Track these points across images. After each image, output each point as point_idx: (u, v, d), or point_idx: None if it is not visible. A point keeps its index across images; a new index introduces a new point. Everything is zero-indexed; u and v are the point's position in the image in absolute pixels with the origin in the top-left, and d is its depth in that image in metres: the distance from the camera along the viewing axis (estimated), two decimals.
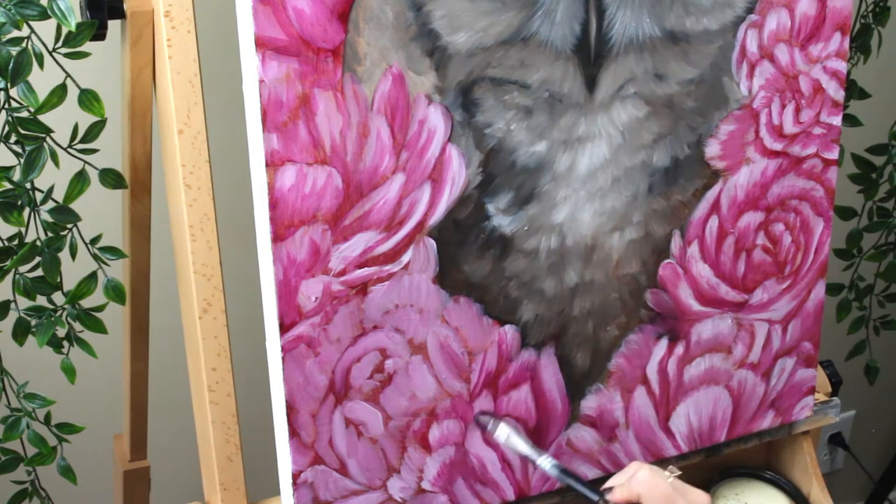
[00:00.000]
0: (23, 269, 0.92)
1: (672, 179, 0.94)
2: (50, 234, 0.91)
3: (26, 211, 0.89)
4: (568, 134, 0.88)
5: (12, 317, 0.94)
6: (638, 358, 0.97)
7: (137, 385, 1.08)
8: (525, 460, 0.93)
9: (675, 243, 0.96)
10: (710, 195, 0.96)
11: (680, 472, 0.79)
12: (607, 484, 0.80)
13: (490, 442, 0.92)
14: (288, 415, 0.83)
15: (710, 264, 0.98)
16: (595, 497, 0.80)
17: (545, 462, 0.86)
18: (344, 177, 0.81)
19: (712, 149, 0.95)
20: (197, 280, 0.84)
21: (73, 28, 0.83)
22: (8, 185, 0.88)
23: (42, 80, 0.86)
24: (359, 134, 0.81)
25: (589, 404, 0.96)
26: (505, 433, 0.89)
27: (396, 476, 0.90)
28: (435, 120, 0.83)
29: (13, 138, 0.87)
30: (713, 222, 0.97)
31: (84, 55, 0.86)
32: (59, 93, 0.86)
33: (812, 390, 1.07)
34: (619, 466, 0.99)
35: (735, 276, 0.99)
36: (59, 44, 0.85)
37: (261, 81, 0.76)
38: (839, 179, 1.02)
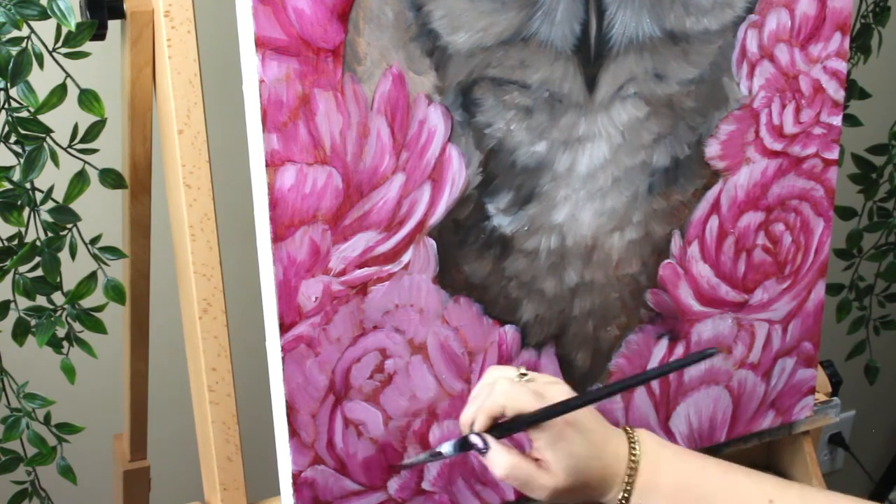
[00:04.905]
0: (23, 269, 0.92)
1: (672, 179, 0.94)
2: (50, 234, 0.90)
3: (26, 211, 0.89)
4: (568, 134, 0.88)
5: (12, 317, 0.94)
6: (638, 358, 0.97)
7: (137, 385, 1.08)
8: None
9: (675, 243, 0.96)
10: (710, 195, 0.96)
11: (528, 375, 0.78)
12: (469, 411, 0.78)
13: None
14: (288, 415, 0.83)
15: (711, 264, 0.98)
16: (481, 445, 0.76)
17: (446, 448, 0.80)
18: (344, 177, 0.81)
19: (712, 149, 0.95)
20: (197, 280, 0.84)
21: (72, 28, 0.83)
22: (8, 185, 0.88)
23: (42, 80, 0.86)
24: (359, 134, 0.81)
25: None
26: (409, 460, 0.88)
27: (396, 476, 0.90)
28: (435, 120, 0.83)
29: (13, 138, 0.87)
30: (713, 222, 0.97)
31: (84, 55, 0.86)
32: (59, 93, 0.86)
33: (812, 390, 1.07)
34: None
35: (735, 276, 0.99)
36: (59, 44, 0.85)
37: (261, 81, 0.76)
38: (839, 179, 1.02)
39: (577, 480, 0.75)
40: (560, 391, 0.77)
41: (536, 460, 0.76)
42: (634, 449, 0.77)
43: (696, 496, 0.76)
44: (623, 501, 0.77)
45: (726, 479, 0.77)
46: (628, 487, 0.76)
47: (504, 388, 0.76)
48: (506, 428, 0.76)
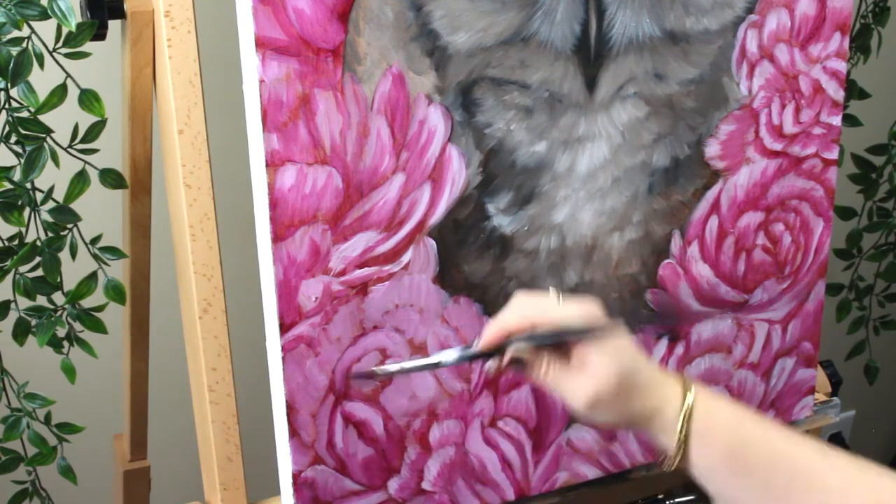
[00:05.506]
0: (23, 269, 0.92)
1: (672, 179, 0.94)
2: (50, 234, 0.90)
3: (26, 211, 0.89)
4: (568, 134, 0.88)
5: (12, 317, 0.94)
6: None
7: (137, 385, 1.08)
8: (525, 460, 0.93)
9: (675, 243, 0.96)
10: (710, 195, 0.96)
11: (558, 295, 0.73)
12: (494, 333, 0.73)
13: (490, 441, 0.92)
14: (288, 415, 0.83)
15: (710, 264, 0.98)
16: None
17: (449, 356, 0.77)
18: (344, 177, 0.81)
19: (712, 149, 0.95)
20: (197, 280, 0.84)
21: (73, 28, 0.83)
22: (8, 185, 0.88)
23: (42, 80, 0.86)
24: (359, 134, 0.81)
25: None
26: (395, 366, 0.84)
27: (396, 476, 0.90)
28: (435, 120, 0.83)
29: (13, 138, 0.87)
30: (713, 222, 0.97)
31: (84, 55, 0.86)
32: (59, 93, 0.86)
33: (812, 390, 1.07)
34: (620, 466, 0.99)
35: (735, 276, 0.99)
36: (60, 44, 0.85)
37: (261, 81, 0.76)
38: (839, 179, 1.02)
39: (624, 382, 0.68)
40: (594, 308, 0.72)
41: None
42: (689, 389, 0.70)
43: (753, 458, 0.68)
44: (680, 447, 0.69)
45: (792, 453, 0.69)
46: (684, 430, 0.69)
47: (541, 303, 0.70)
48: (548, 337, 0.71)
